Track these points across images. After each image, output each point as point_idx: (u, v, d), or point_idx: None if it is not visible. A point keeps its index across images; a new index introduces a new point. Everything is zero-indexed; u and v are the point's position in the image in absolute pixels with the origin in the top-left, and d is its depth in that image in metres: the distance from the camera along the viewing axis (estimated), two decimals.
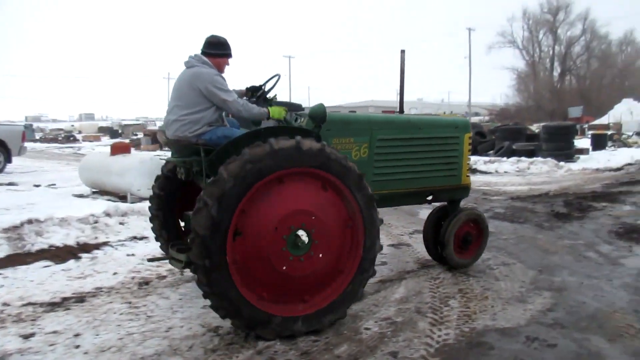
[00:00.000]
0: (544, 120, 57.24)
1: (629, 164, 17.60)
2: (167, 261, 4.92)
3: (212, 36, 4.54)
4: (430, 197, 5.56)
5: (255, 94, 4.87)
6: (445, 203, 5.84)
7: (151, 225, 5.24)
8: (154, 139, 29.76)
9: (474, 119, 61.94)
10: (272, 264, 3.79)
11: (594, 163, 17.31)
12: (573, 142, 18.59)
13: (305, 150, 3.78)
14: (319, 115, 4.51)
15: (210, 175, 3.91)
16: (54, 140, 41.36)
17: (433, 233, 5.82)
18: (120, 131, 50.02)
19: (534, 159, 17.21)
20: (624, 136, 25.55)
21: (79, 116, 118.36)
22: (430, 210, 6.20)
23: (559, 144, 17.82)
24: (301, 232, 3.89)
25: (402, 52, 5.92)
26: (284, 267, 3.82)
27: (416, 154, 5.30)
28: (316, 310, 3.95)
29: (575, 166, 16.72)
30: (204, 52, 4.48)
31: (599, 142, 21.80)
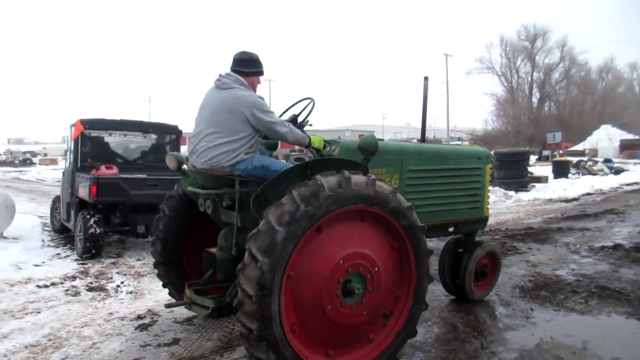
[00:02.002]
0: (524, 146, 56.48)
1: (588, 194, 16.20)
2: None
3: (244, 52, 4.12)
4: (451, 229, 5.40)
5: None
6: (459, 235, 5.64)
7: (156, 271, 4.81)
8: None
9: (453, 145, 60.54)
10: (335, 322, 3.52)
11: (549, 193, 15.86)
12: (527, 170, 17.15)
13: (372, 189, 3.54)
14: (370, 146, 4.01)
15: (242, 210, 3.76)
16: (10, 164, 39.44)
17: (450, 265, 5.67)
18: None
19: None
20: (589, 163, 24.24)
21: (7, 140, 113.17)
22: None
23: (512, 172, 16.37)
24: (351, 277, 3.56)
25: (426, 79, 5.58)
26: (347, 319, 3.56)
27: (443, 185, 5.16)
28: (386, 347, 3.77)
29: (526, 196, 15.24)
30: (235, 71, 4.04)
31: (560, 170, 20.41)
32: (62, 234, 9.27)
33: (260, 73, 4.16)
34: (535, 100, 70.21)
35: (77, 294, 5.92)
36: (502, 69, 70.71)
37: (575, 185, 17.40)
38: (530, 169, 20.95)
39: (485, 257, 5.60)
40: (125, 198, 7.32)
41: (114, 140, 8.53)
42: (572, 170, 22.10)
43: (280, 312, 3.26)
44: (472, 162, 5.41)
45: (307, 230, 3.30)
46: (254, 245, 3.22)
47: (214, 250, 4.09)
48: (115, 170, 7.78)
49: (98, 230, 7.27)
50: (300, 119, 4.41)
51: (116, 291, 6.02)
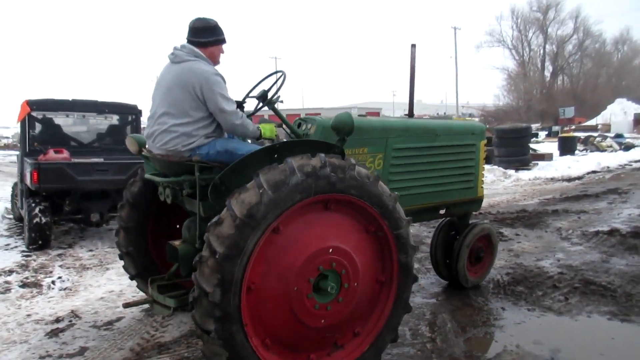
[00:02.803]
0: (535, 122, 55.14)
1: (593, 172, 15.39)
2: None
3: (198, 19, 3.61)
4: (443, 212, 4.99)
5: (241, 102, 3.92)
6: (452, 217, 5.26)
7: (122, 263, 4.40)
8: None
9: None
10: (309, 326, 3.11)
11: (552, 171, 15.06)
12: (529, 147, 16.31)
13: (319, 174, 3.01)
14: (346, 126, 3.50)
15: (205, 198, 3.27)
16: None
17: (442, 250, 5.31)
18: None
19: None
20: (597, 139, 23.20)
21: None
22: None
23: (513, 149, 15.56)
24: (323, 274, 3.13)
25: (413, 46, 5.10)
26: (323, 321, 3.15)
27: (433, 165, 4.72)
28: (375, 337, 3.39)
29: (527, 175, 14.47)
30: (191, 42, 3.56)
31: (566, 146, 19.51)
32: (21, 222, 8.78)
33: (220, 41, 3.66)
34: (547, 74, 68.31)
35: (7, 290, 5.40)
36: (513, 41, 68.79)
37: (580, 163, 16.55)
38: (534, 146, 20.13)
39: (480, 240, 5.21)
40: (71, 184, 6.75)
41: (66, 122, 7.94)
42: (580, 147, 21.18)
43: (247, 336, 2.89)
44: (465, 138, 4.98)
45: (258, 240, 2.85)
46: (200, 275, 2.80)
47: (177, 243, 3.67)
48: (65, 154, 7.20)
49: (44, 220, 6.74)
50: (270, 95, 3.86)
51: (49, 288, 5.49)
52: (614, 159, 18.25)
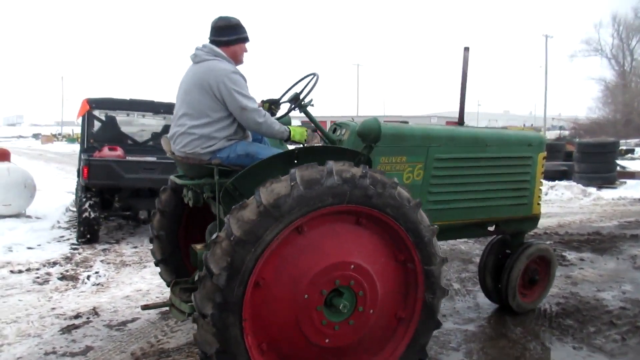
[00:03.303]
0: (634, 137, 50.97)
1: None
2: None
3: (220, 18, 3.51)
4: (492, 229, 4.63)
5: (274, 108, 3.90)
6: (505, 235, 4.84)
7: (151, 247, 4.32)
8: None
9: (551, 135, 56.69)
10: (312, 342, 2.90)
11: None
12: (615, 164, 14.89)
13: (357, 183, 2.88)
14: (372, 133, 3.39)
15: (228, 204, 3.06)
16: None
17: (493, 270, 4.87)
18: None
19: (557, 182, 13.86)
20: None
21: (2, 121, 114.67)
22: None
23: (597, 165, 14.27)
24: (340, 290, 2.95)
25: (466, 49, 4.79)
26: (327, 340, 2.93)
27: (480, 177, 4.36)
28: None
29: (610, 194, 13.18)
30: (213, 41, 3.46)
31: None
32: None
33: (243, 40, 3.53)
34: None
35: (45, 282, 5.59)
36: (613, 50, 63.98)
37: None
38: (625, 163, 18.46)
39: (535, 262, 4.75)
40: (119, 182, 6.92)
41: (123, 120, 8.19)
42: None
43: (244, 332, 2.74)
44: (519, 150, 4.57)
45: (278, 234, 2.73)
46: (211, 255, 2.69)
47: (199, 246, 3.57)
48: (119, 152, 7.42)
49: (92, 215, 6.96)
50: (307, 99, 3.73)
51: (83, 282, 5.61)
52: None
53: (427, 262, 3.11)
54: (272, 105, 3.91)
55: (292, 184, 2.74)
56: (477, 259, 6.62)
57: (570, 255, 6.93)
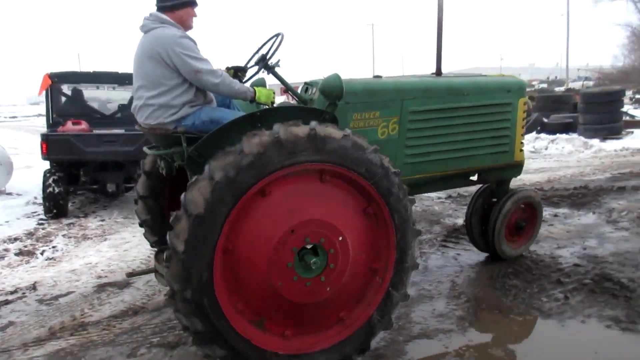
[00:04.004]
0: None
1: None
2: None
3: None
4: (475, 178, 4.66)
5: (241, 74, 3.79)
6: (490, 184, 4.88)
7: (143, 231, 4.41)
8: None
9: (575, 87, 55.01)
10: (287, 299, 2.92)
11: None
12: (621, 113, 14.22)
13: (323, 141, 2.87)
14: (334, 90, 3.38)
15: (194, 171, 3.03)
16: None
17: (479, 219, 4.92)
18: None
19: (557, 136, 13.37)
20: None
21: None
22: None
23: (601, 116, 13.66)
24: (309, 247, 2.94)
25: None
26: (303, 297, 2.97)
27: (459, 127, 4.26)
28: (358, 328, 3.12)
29: (614, 145, 12.63)
30: (159, 8, 3.39)
31: None
32: None
33: (188, 3, 3.42)
34: None
35: (1, 258, 5.63)
36: None
37: None
38: (635, 112, 17.71)
39: (520, 209, 4.83)
40: (78, 156, 6.87)
41: (88, 94, 8.08)
42: None
43: (214, 284, 2.74)
44: (498, 97, 4.45)
45: (235, 205, 2.74)
46: (173, 234, 2.71)
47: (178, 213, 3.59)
48: (84, 125, 7.35)
49: (57, 190, 6.95)
50: (273, 59, 3.71)
51: (37, 257, 5.63)
52: None
53: (395, 209, 3.09)
54: (238, 72, 3.80)
55: (241, 154, 2.72)
56: (446, 220, 6.45)
57: (545, 212, 6.61)
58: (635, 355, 3.27)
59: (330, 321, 3.12)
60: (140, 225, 4.34)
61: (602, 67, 66.17)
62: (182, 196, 2.73)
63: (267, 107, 3.44)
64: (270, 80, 3.96)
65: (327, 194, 3.02)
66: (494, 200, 4.87)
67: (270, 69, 3.68)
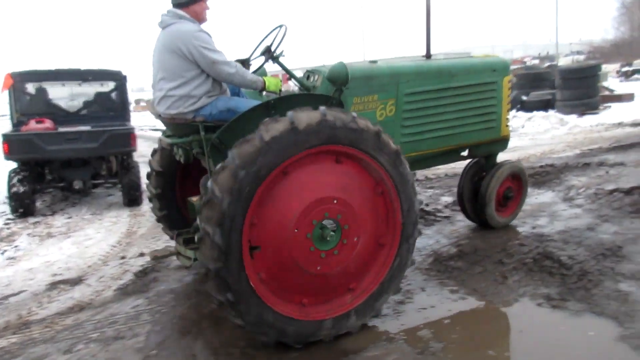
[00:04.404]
0: None
1: None
2: None
3: None
4: (465, 153, 5.03)
5: (245, 66, 4.01)
6: (479, 158, 5.24)
7: (151, 205, 4.77)
8: None
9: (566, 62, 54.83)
10: (303, 269, 3.21)
11: (623, 115, 13.07)
12: (597, 88, 14.25)
13: (334, 125, 3.14)
14: (340, 77, 3.64)
15: (216, 158, 3.34)
16: None
17: (470, 191, 5.27)
18: None
19: (534, 113, 13.41)
20: None
21: None
22: None
23: (578, 92, 13.71)
24: (327, 222, 3.22)
25: None
26: (319, 267, 3.25)
27: (449, 107, 4.59)
28: (367, 297, 3.44)
29: (590, 121, 12.70)
30: (175, 5, 3.68)
31: None
32: None
33: None
34: None
35: None
36: None
37: None
38: (614, 87, 17.73)
39: (508, 180, 5.20)
40: (40, 154, 6.90)
41: (52, 92, 8.07)
42: None
43: (243, 256, 3.03)
44: (485, 76, 4.79)
45: (273, 169, 3.03)
46: (215, 182, 2.97)
47: (195, 199, 3.95)
48: (48, 124, 7.36)
49: (22, 189, 6.98)
50: (278, 50, 3.95)
51: None
52: None
53: (402, 189, 3.41)
54: (242, 64, 3.95)
55: (259, 141, 2.97)
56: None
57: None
58: (560, 333, 3.34)
59: (341, 291, 3.41)
60: (158, 221, 4.76)
61: (593, 41, 65.93)
62: (208, 183, 2.99)
63: (276, 95, 3.68)
64: (270, 68, 4.20)
65: (342, 173, 3.29)
66: (483, 174, 5.20)
67: (276, 59, 3.91)
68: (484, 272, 4.29)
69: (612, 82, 23.03)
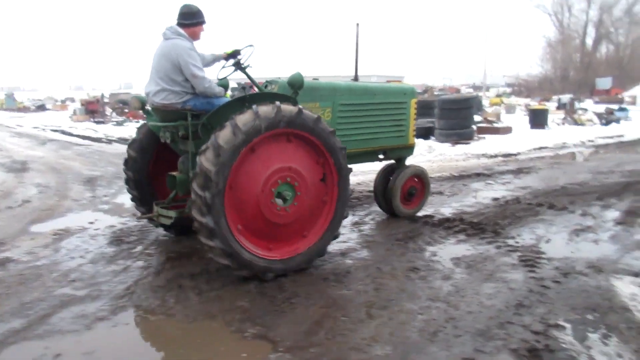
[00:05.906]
0: (571, 92, 52.08)
1: (541, 148, 14.17)
2: None
3: (185, 6, 4.92)
4: (381, 156, 6.43)
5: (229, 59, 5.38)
6: (393, 161, 6.75)
7: (126, 186, 5.71)
8: (90, 110, 27.97)
9: (491, 94, 57.50)
10: (269, 220, 4.53)
11: (488, 147, 13.91)
12: (471, 120, 15.13)
13: (286, 114, 4.43)
14: (297, 83, 4.92)
15: (204, 134, 4.56)
16: (26, 109, 40.27)
17: (382, 187, 6.72)
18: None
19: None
20: (579, 112, 21.28)
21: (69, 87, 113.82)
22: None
23: (454, 122, 14.48)
24: (284, 185, 4.54)
25: (357, 25, 6.90)
26: (280, 219, 4.57)
27: (372, 117, 6.12)
28: (316, 241, 4.77)
29: (455, 150, 13.37)
30: (179, 24, 4.89)
31: (537, 119, 18.08)
32: None
33: (200, 23, 4.95)
34: (590, 42, 63.74)
35: None
36: (553, 6, 64.38)
37: (537, 138, 15.29)
38: (499, 119, 18.87)
39: (412, 179, 6.62)
40: None
41: None
42: (557, 120, 19.62)
43: (225, 212, 4.24)
44: (398, 97, 6.38)
45: (245, 146, 4.25)
46: (204, 157, 4.19)
47: (175, 173, 4.98)
48: None
49: None
50: (244, 63, 5.29)
51: None
52: (584, 134, 16.70)
53: (336, 161, 4.74)
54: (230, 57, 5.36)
55: (233, 127, 4.20)
56: None
57: None
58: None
59: (297, 238, 4.73)
60: (126, 181, 5.66)
61: (519, 75, 69.58)
62: (197, 158, 4.24)
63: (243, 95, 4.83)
64: (237, 76, 5.50)
65: (293, 149, 4.59)
66: (394, 174, 6.58)
67: (243, 69, 5.28)
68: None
69: (519, 115, 24.32)
